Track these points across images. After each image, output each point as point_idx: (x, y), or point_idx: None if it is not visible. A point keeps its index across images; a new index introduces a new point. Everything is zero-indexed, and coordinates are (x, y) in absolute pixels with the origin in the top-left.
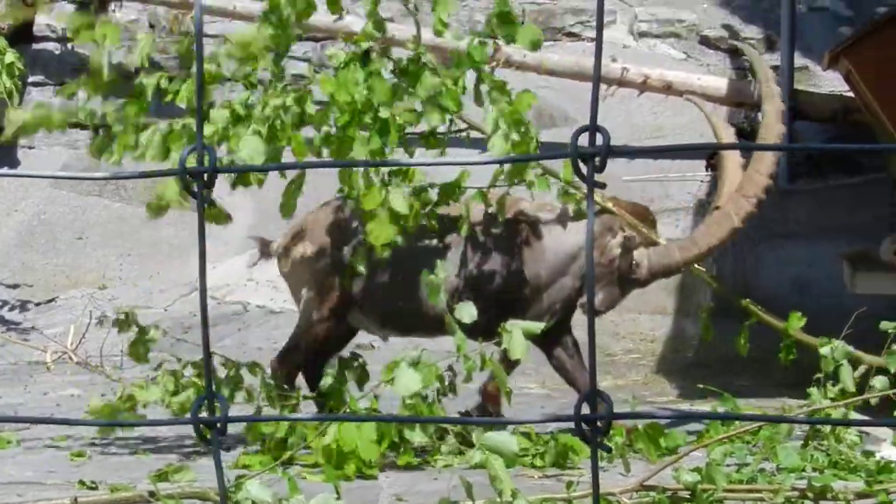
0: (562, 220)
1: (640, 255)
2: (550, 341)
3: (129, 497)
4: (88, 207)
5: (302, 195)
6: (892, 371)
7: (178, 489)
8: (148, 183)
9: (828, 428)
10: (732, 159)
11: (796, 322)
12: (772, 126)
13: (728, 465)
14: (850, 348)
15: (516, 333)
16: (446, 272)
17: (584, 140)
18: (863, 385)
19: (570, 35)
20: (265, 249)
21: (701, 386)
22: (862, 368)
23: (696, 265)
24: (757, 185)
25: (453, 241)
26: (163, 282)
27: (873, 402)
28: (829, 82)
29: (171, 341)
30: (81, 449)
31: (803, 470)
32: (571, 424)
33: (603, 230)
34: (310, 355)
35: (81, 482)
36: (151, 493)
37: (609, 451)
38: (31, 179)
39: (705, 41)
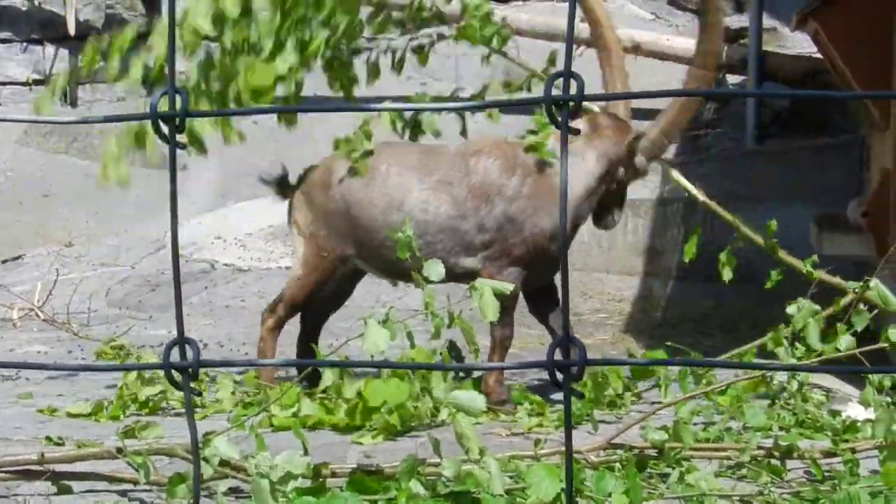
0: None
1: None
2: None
3: (97, 453)
4: (55, 165)
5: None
6: (859, 330)
7: (145, 446)
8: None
9: (794, 387)
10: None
11: (772, 226)
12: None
13: (695, 424)
14: (817, 307)
15: (487, 293)
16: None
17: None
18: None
19: None
20: (282, 190)
21: (669, 345)
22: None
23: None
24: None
25: (462, 196)
26: (130, 239)
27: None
28: (798, 43)
29: (140, 298)
30: (49, 405)
31: (770, 429)
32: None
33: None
34: (304, 305)
35: (48, 438)
36: (119, 450)
37: (581, 396)
38: None
39: (674, 2)
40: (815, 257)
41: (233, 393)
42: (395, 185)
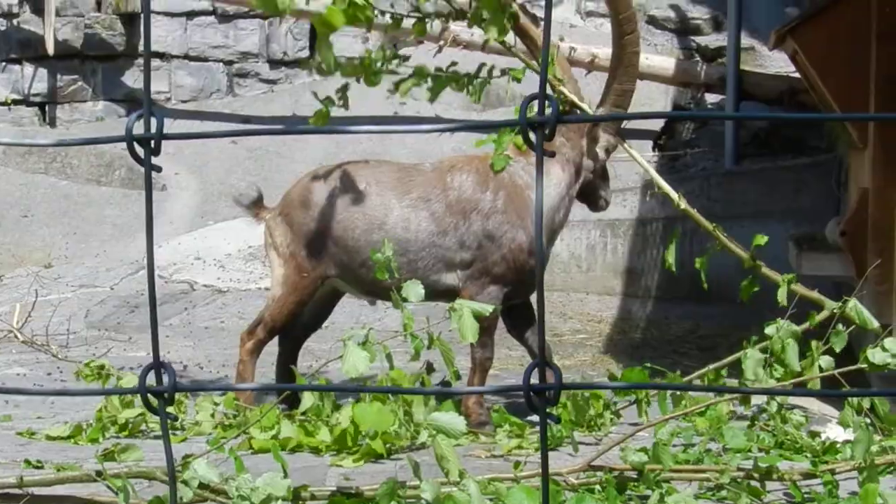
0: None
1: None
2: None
3: (76, 476)
4: (34, 185)
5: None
6: (838, 351)
7: (125, 468)
8: (93, 160)
9: (774, 408)
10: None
11: (760, 240)
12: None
13: (675, 446)
14: (796, 327)
15: (466, 314)
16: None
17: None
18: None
19: None
20: (257, 212)
21: (648, 365)
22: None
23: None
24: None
25: (440, 213)
26: (109, 260)
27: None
28: (776, 63)
29: (119, 319)
30: (28, 427)
31: (749, 450)
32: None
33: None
34: (284, 326)
35: (27, 461)
36: (98, 473)
37: (557, 421)
38: None
39: (653, 21)
40: (793, 275)
41: (212, 415)
42: (374, 204)
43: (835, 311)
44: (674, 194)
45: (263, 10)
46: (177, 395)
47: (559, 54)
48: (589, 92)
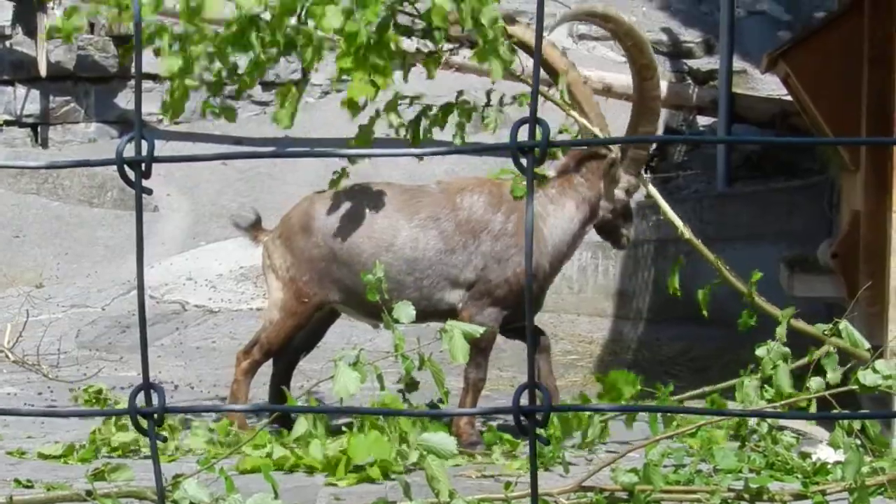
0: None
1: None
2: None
3: (66, 496)
4: (26, 206)
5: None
6: (830, 376)
7: (115, 488)
8: (85, 182)
9: (764, 429)
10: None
11: (756, 276)
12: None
13: (665, 466)
14: (786, 350)
15: (457, 335)
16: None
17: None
18: (799, 387)
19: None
20: (255, 234)
21: (638, 387)
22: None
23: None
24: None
25: (449, 235)
26: (100, 281)
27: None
28: (768, 86)
29: (110, 339)
30: (18, 447)
31: (740, 471)
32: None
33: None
34: (280, 349)
35: (17, 481)
36: (88, 493)
37: (547, 443)
38: None
39: None
40: (791, 309)
41: (208, 441)
42: (382, 227)
43: (826, 332)
44: (679, 223)
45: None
46: (172, 420)
47: (585, 87)
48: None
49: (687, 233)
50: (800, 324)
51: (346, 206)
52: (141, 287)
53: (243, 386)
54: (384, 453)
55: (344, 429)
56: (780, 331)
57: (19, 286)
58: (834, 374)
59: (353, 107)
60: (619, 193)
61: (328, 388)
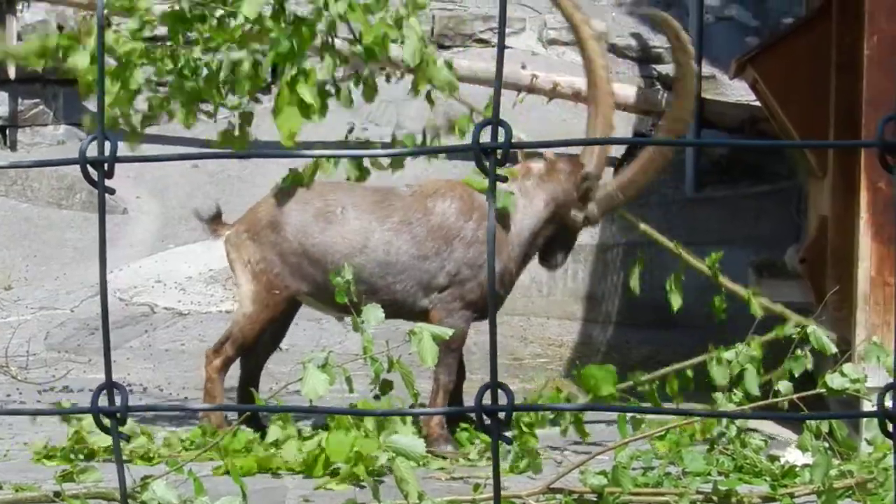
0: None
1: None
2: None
3: (35, 497)
4: None
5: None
6: (797, 375)
7: (83, 489)
8: (53, 184)
9: (733, 432)
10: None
11: (715, 256)
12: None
13: (634, 469)
14: (755, 353)
15: (426, 338)
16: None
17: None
18: (768, 391)
19: (480, 41)
20: (215, 228)
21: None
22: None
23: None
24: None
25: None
26: (69, 283)
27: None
28: (736, 91)
29: (79, 341)
30: None
31: (709, 474)
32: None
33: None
34: (253, 343)
35: None
36: (57, 494)
37: (510, 442)
38: None
39: (614, 49)
40: (756, 288)
41: (185, 449)
42: (354, 228)
43: (794, 336)
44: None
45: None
46: (145, 428)
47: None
48: (550, 120)
49: (642, 226)
50: (765, 302)
51: (316, 204)
52: (104, 285)
53: (217, 384)
54: (368, 450)
55: (310, 430)
56: (755, 306)
57: None
58: (798, 365)
59: (290, 139)
60: (576, 215)
61: (297, 390)
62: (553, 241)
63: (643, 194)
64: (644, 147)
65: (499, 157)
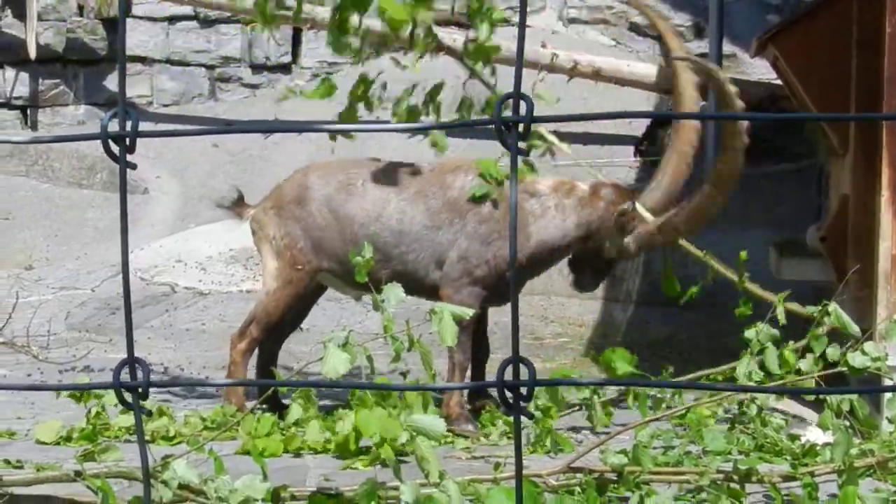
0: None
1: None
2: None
3: (55, 476)
4: (15, 188)
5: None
6: (818, 353)
7: (104, 469)
8: (74, 163)
9: (754, 411)
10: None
11: (742, 257)
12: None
13: (655, 448)
14: (775, 332)
15: (446, 317)
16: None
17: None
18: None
19: (500, 20)
20: (240, 211)
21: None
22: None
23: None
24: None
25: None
26: (90, 263)
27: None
28: (757, 70)
29: (100, 321)
30: (8, 428)
31: (729, 453)
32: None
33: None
34: (279, 321)
35: (6, 461)
36: (78, 473)
37: (531, 417)
38: None
39: (634, 28)
40: (786, 292)
41: (205, 429)
42: (373, 198)
43: (814, 315)
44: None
45: (262, 24)
46: (167, 408)
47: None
48: (570, 98)
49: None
50: (792, 305)
51: (339, 177)
52: (125, 261)
53: (241, 368)
54: (395, 431)
55: (332, 412)
56: (780, 313)
57: (9, 268)
58: (833, 351)
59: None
60: (610, 246)
61: (317, 369)
62: (585, 264)
63: (685, 238)
64: (693, 200)
65: (520, 130)
